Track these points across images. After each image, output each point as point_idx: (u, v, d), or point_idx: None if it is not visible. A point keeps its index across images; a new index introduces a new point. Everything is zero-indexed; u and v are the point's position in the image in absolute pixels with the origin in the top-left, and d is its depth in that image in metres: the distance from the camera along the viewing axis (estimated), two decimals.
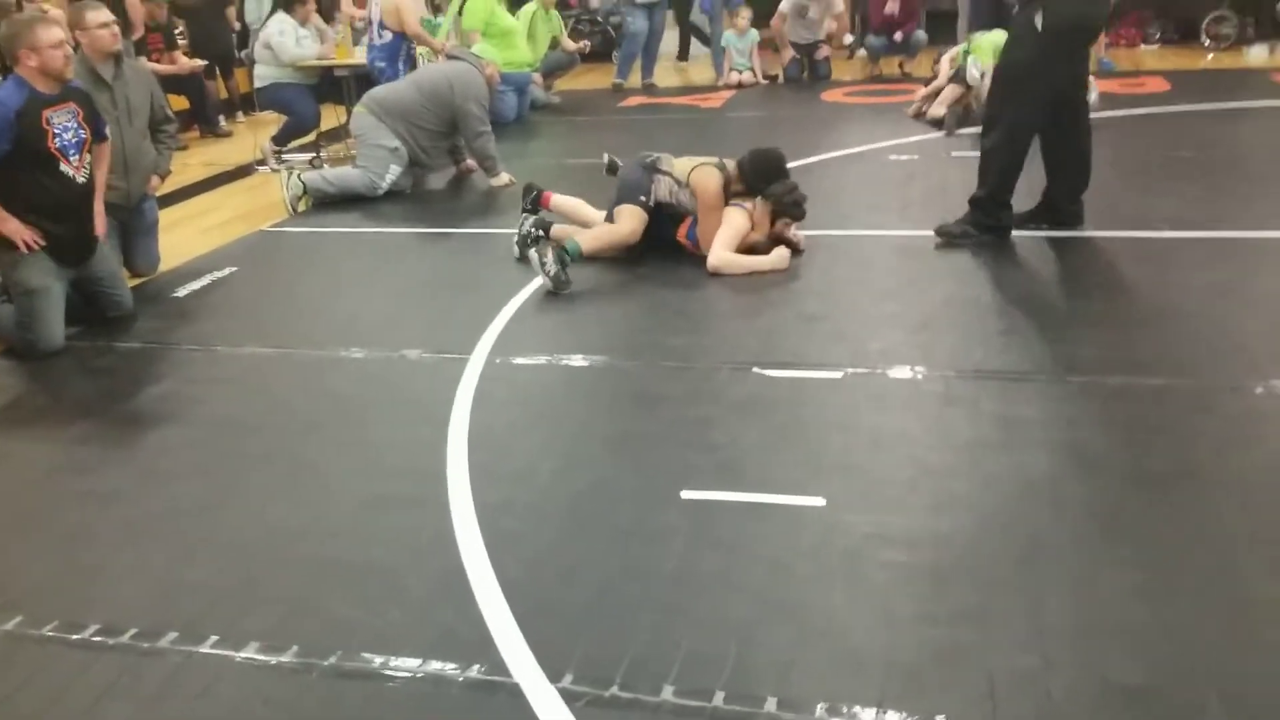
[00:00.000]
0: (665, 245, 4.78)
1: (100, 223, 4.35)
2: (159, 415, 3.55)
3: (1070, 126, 4.61)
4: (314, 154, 7.78)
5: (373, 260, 5.25)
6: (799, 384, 3.45)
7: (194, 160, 7.98)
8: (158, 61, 8.30)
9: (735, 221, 4.65)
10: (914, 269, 4.53)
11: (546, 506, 2.79)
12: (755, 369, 3.55)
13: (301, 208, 6.16)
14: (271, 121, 8.11)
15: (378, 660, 2.19)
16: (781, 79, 10.19)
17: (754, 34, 10.15)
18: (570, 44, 10.14)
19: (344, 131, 8.02)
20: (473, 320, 4.12)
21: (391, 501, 2.86)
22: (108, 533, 2.79)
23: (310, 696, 2.12)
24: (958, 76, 7.53)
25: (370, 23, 7.76)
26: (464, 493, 2.84)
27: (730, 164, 4.77)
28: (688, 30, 12.08)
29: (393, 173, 6.28)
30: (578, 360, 3.74)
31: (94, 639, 2.32)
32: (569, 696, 2.05)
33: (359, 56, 7.92)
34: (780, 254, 4.58)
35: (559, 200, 5.14)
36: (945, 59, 7.83)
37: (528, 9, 9.44)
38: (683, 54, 12.31)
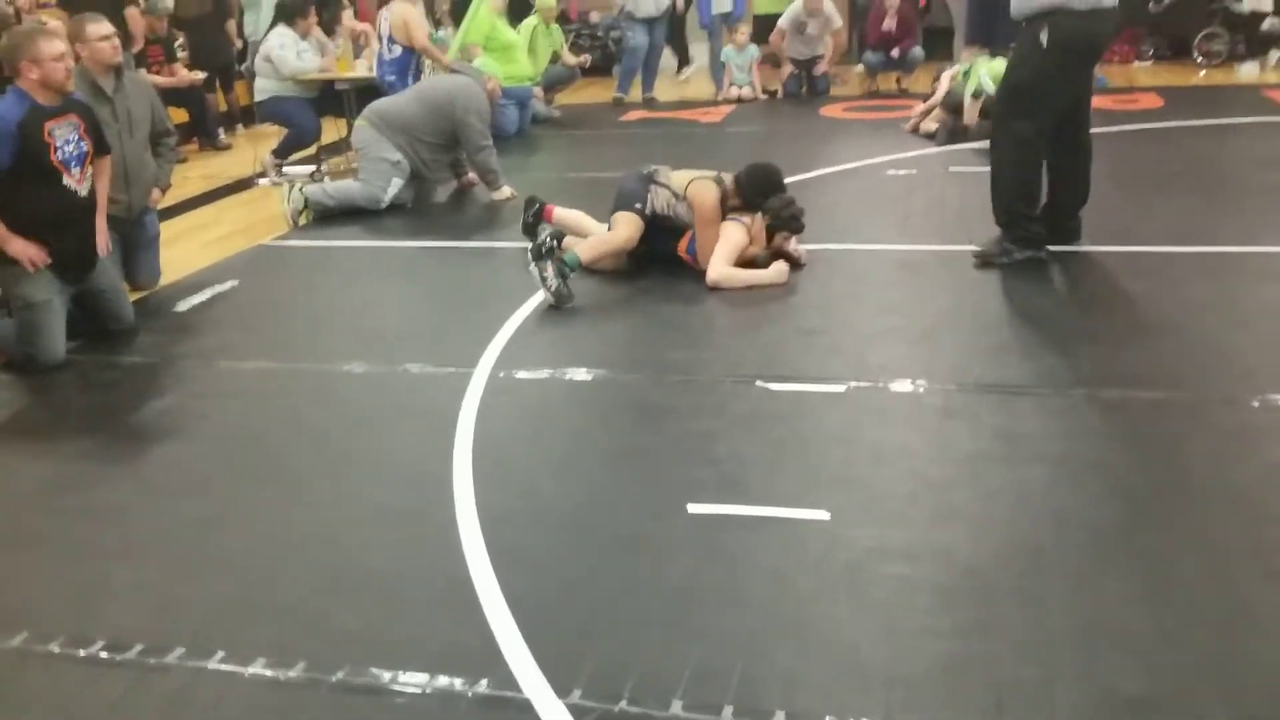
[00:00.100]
0: (666, 259, 4.80)
1: (103, 240, 4.36)
2: (161, 429, 3.56)
3: (1072, 143, 4.62)
4: (314, 167, 7.79)
5: (375, 274, 5.27)
6: (801, 398, 3.46)
7: (193, 173, 8.00)
8: (158, 74, 8.32)
9: (733, 236, 4.68)
10: (913, 283, 4.55)
11: (551, 520, 2.81)
12: (758, 383, 3.57)
13: (302, 221, 6.18)
14: (271, 135, 8.14)
15: (385, 675, 2.20)
16: (780, 94, 10.24)
17: (753, 49, 10.21)
18: (571, 58, 10.19)
19: (344, 145, 8.05)
20: (476, 334, 4.14)
21: (396, 515, 2.87)
22: (110, 548, 2.80)
23: (318, 712, 2.12)
24: (949, 99, 7.58)
25: (380, 38, 7.81)
26: (469, 506, 2.85)
27: (728, 178, 4.79)
28: (684, 44, 12.14)
29: (394, 186, 6.30)
30: (581, 374, 3.75)
31: (101, 654, 2.32)
32: (578, 712, 2.06)
33: (360, 70, 7.95)
34: (779, 268, 4.60)
35: (561, 213, 5.16)
36: (945, 75, 7.87)
37: (528, 23, 9.49)
38: (681, 65, 12.35)
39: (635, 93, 10.45)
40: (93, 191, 4.29)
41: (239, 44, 9.75)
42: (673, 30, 11.17)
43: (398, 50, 7.67)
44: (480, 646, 2.27)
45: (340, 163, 7.94)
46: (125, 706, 2.17)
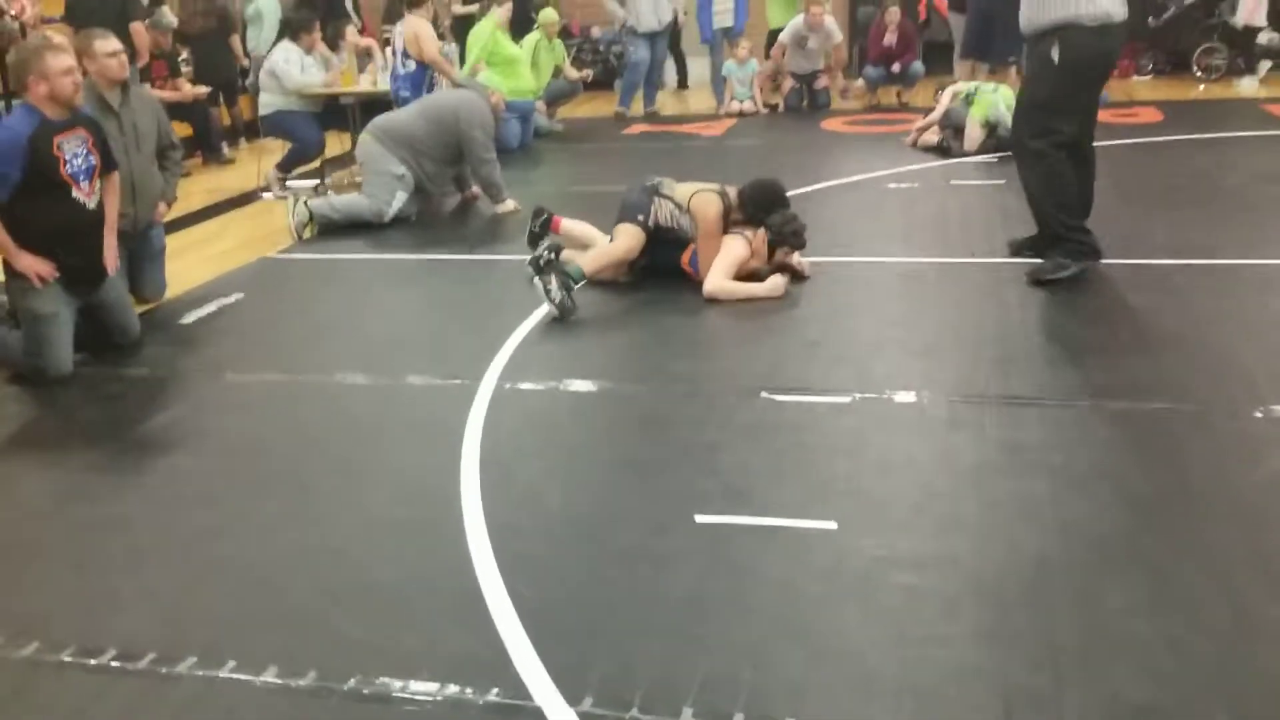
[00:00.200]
0: (668, 271, 4.82)
1: (111, 257, 4.38)
2: (167, 441, 3.57)
3: (1075, 157, 4.64)
4: (318, 181, 7.83)
5: (380, 286, 5.29)
6: (806, 409, 3.48)
7: (197, 187, 8.02)
8: (162, 89, 8.37)
9: (733, 249, 4.70)
10: (915, 295, 4.57)
11: (559, 530, 2.82)
12: (763, 394, 3.58)
13: (307, 234, 6.20)
14: (274, 149, 8.17)
15: (396, 684, 2.21)
16: (781, 108, 10.29)
17: (754, 63, 10.26)
18: (573, 72, 10.23)
19: (348, 158, 8.09)
20: (481, 346, 4.16)
21: (405, 525, 2.88)
22: (119, 559, 2.81)
23: None
24: (949, 119, 7.62)
25: (395, 53, 7.87)
26: (477, 516, 2.87)
27: (732, 191, 4.82)
28: (682, 59, 12.20)
29: (399, 199, 6.33)
30: (586, 385, 3.77)
31: (112, 664, 2.33)
32: None
33: (364, 84, 7.99)
34: (774, 281, 4.61)
35: (569, 224, 5.19)
36: (946, 93, 7.89)
37: (531, 38, 9.53)
38: (682, 82, 12.42)
39: (636, 107, 10.49)
40: (101, 204, 4.31)
41: (245, 60, 9.79)
42: (671, 45, 11.24)
43: (411, 65, 7.73)
44: (490, 655, 2.28)
45: (344, 176, 7.97)
46: (138, 715, 2.18)
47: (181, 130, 7.89)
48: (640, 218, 4.74)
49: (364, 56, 8.43)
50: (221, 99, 9.57)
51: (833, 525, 2.74)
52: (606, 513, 2.90)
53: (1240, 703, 2.04)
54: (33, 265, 4.09)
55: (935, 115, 7.83)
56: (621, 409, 3.62)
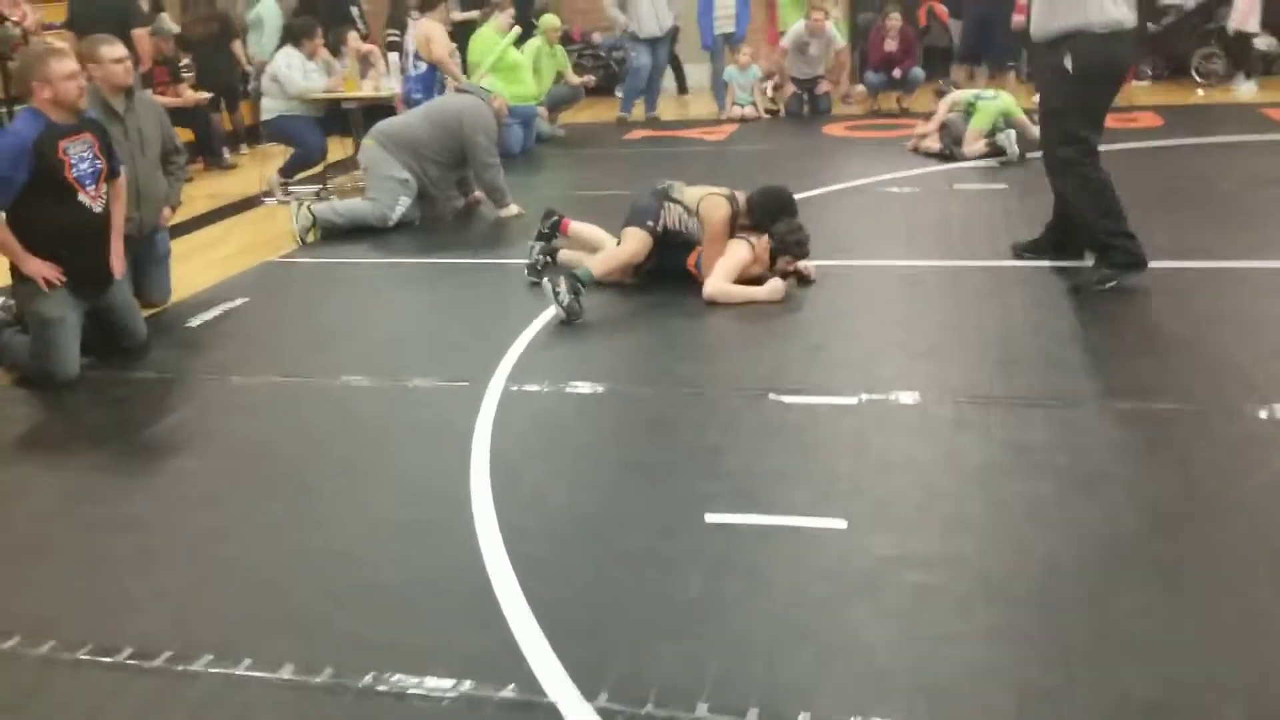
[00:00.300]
0: (675, 274, 4.84)
1: (118, 261, 4.39)
2: (175, 444, 3.58)
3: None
4: (320, 186, 7.84)
5: (385, 290, 5.31)
6: (812, 410, 3.50)
7: (199, 192, 8.03)
8: (163, 94, 8.38)
9: (736, 253, 4.72)
10: (919, 298, 4.59)
11: (569, 531, 2.83)
12: (769, 396, 3.60)
13: (310, 239, 6.22)
14: (276, 154, 8.19)
15: (411, 680, 2.22)
16: (782, 113, 10.31)
17: (755, 69, 10.29)
18: (575, 78, 10.26)
19: (350, 164, 8.11)
20: (487, 349, 4.17)
21: (415, 526, 2.89)
22: (130, 559, 2.82)
23: (346, 717, 2.14)
24: (948, 130, 7.63)
25: (406, 54, 7.93)
26: (488, 517, 2.88)
27: (741, 197, 4.84)
28: (680, 64, 12.24)
29: (402, 204, 6.35)
30: (593, 388, 3.78)
31: (128, 662, 2.34)
32: (605, 715, 2.08)
33: (365, 89, 8.02)
34: (774, 285, 4.63)
35: (577, 227, 5.22)
36: (945, 102, 7.89)
37: (532, 43, 9.56)
38: (681, 88, 12.45)
39: (638, 112, 10.52)
40: (107, 208, 4.32)
41: (249, 67, 9.80)
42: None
43: (423, 67, 7.80)
44: (505, 653, 2.30)
45: (346, 181, 7.99)
46: (155, 712, 2.19)
47: (183, 136, 7.85)
48: (650, 223, 4.76)
49: (366, 62, 8.45)
50: (223, 104, 9.59)
51: (842, 525, 2.75)
52: (616, 514, 2.91)
53: (1252, 701, 2.05)
54: (40, 269, 4.10)
55: (934, 123, 7.85)
56: (628, 411, 3.63)
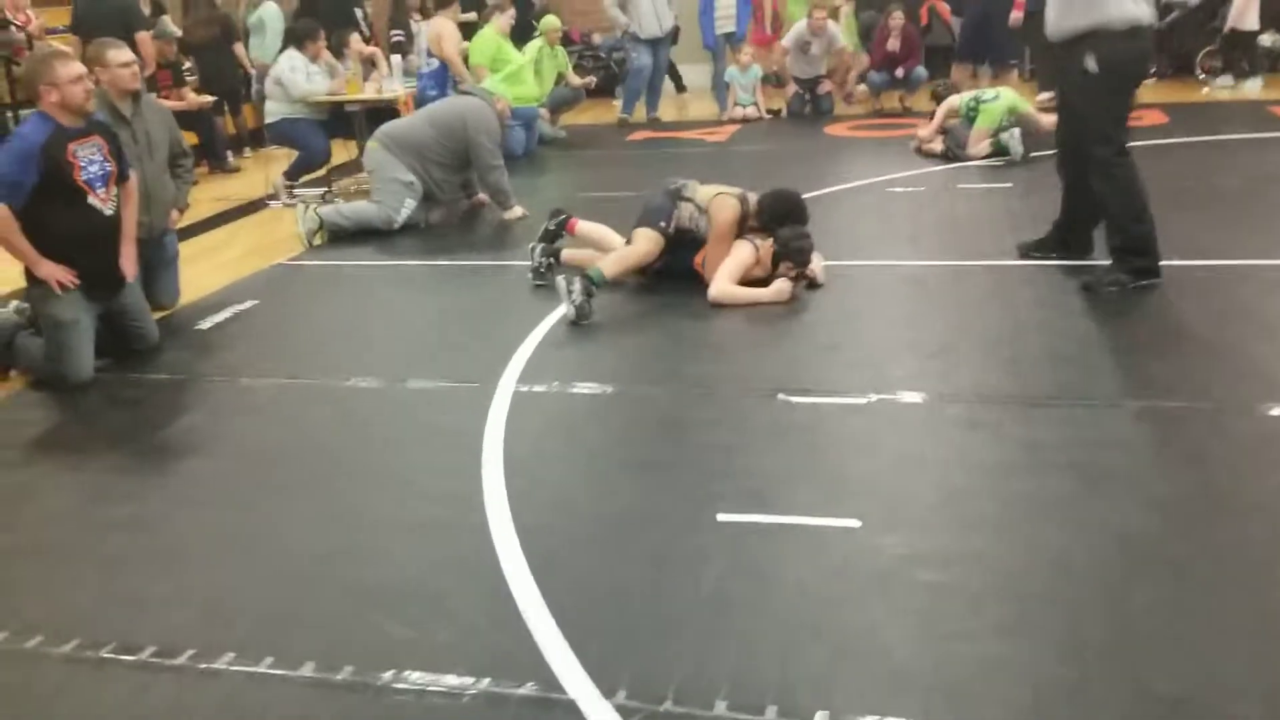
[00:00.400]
0: (682, 274, 4.85)
1: (130, 263, 4.42)
2: (189, 445, 3.60)
3: (1088, 157, 4.63)
4: (325, 188, 7.86)
5: (392, 292, 5.33)
6: (822, 410, 3.51)
7: (204, 195, 8.03)
8: (166, 98, 8.39)
9: (740, 254, 4.73)
10: (926, 298, 4.61)
11: (584, 531, 2.85)
12: (779, 396, 3.62)
13: (317, 242, 6.24)
14: (280, 157, 8.21)
15: (432, 678, 2.24)
16: (784, 113, 10.34)
17: (756, 69, 10.31)
18: (576, 79, 10.28)
19: (354, 166, 8.13)
20: (496, 350, 4.19)
21: (431, 526, 2.91)
22: (148, 560, 2.84)
23: (368, 714, 2.16)
24: (950, 136, 7.65)
25: (419, 51, 7.98)
26: (503, 518, 2.90)
27: (753, 198, 4.85)
28: (674, 64, 12.25)
29: (408, 207, 6.37)
30: (602, 388, 3.80)
31: (151, 660, 2.36)
32: (624, 712, 2.10)
33: (369, 92, 8.04)
34: (779, 286, 4.63)
35: (585, 226, 5.24)
36: (943, 108, 7.88)
37: (533, 45, 9.58)
38: (679, 88, 12.46)
39: (639, 113, 10.53)
40: (118, 211, 4.34)
41: (251, 69, 9.83)
42: None
43: (435, 63, 7.85)
44: (523, 651, 2.31)
45: (350, 184, 8.01)
46: (180, 710, 2.21)
47: (187, 139, 7.92)
48: (662, 224, 4.77)
49: (369, 64, 8.47)
50: (226, 108, 9.61)
51: (855, 524, 2.77)
52: (629, 513, 2.93)
53: (1271, 698, 2.06)
54: (53, 272, 4.13)
55: (933, 127, 7.85)
56: (639, 412, 3.65)
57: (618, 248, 4.97)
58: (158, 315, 4.85)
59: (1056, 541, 2.65)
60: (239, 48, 9.80)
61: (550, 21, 9.87)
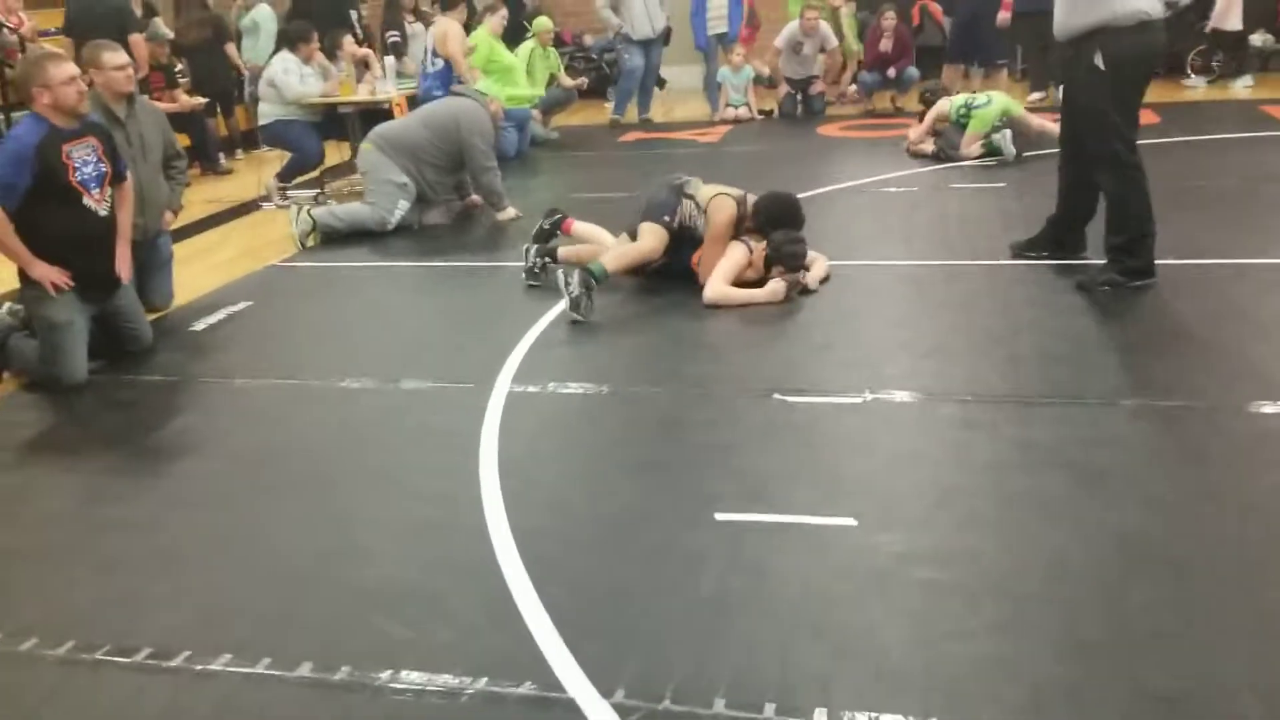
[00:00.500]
0: (681, 273, 4.86)
1: (125, 266, 4.41)
2: (184, 446, 3.59)
3: (1082, 156, 4.62)
4: (318, 190, 7.85)
5: (386, 293, 5.32)
6: (819, 409, 3.51)
7: (196, 197, 8.02)
8: (159, 100, 8.38)
9: (734, 256, 4.73)
10: (921, 297, 4.62)
11: (581, 530, 2.85)
12: (775, 395, 3.62)
13: (310, 243, 6.23)
14: (271, 159, 8.20)
15: (430, 678, 2.24)
16: (776, 114, 10.34)
17: (749, 70, 10.31)
18: (568, 80, 10.27)
19: (347, 168, 8.12)
20: (491, 351, 4.19)
21: (427, 527, 2.91)
22: (143, 561, 2.83)
23: (366, 714, 2.16)
24: (943, 139, 7.65)
25: (425, 51, 8.00)
26: (500, 517, 2.89)
27: (752, 199, 4.86)
28: None
29: (401, 208, 6.36)
30: (598, 389, 3.80)
31: (147, 662, 2.36)
32: (623, 711, 2.10)
33: (362, 94, 8.03)
34: (773, 287, 4.63)
35: (580, 226, 5.24)
36: (933, 111, 7.85)
37: (526, 46, 9.57)
38: (659, 84, 12.43)
39: (631, 114, 10.54)
40: (113, 212, 4.33)
41: (244, 71, 9.81)
42: None
43: (440, 64, 7.86)
44: (521, 650, 2.31)
45: (343, 185, 8.00)
46: (176, 711, 2.20)
47: (179, 141, 7.90)
48: (666, 218, 4.77)
49: (362, 66, 8.46)
50: (218, 109, 9.59)
51: (852, 522, 2.77)
52: (627, 512, 2.93)
53: (1269, 697, 2.07)
54: (47, 274, 4.11)
55: (922, 129, 7.85)
56: (634, 412, 3.65)
57: (611, 246, 4.97)
58: (151, 317, 4.84)
59: (1053, 540, 2.65)
60: (231, 49, 9.78)
61: (542, 23, 9.86)
